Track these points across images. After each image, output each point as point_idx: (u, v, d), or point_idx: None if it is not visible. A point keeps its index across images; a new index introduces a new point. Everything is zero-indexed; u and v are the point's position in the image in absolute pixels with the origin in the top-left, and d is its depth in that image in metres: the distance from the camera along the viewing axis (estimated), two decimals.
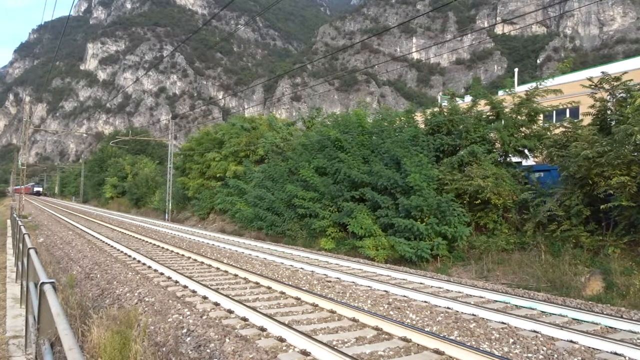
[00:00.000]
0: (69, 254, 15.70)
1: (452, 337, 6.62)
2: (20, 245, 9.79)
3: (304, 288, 9.79)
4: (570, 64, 20.47)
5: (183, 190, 35.25)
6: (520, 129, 15.45)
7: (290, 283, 10.35)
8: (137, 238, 20.01)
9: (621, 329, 7.30)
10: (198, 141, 35.13)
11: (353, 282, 10.78)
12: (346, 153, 18.24)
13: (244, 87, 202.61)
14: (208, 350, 6.14)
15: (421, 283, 10.87)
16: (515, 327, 7.17)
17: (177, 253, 15.51)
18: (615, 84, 12.62)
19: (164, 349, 6.42)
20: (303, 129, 27.09)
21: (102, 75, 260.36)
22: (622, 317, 8.03)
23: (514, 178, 14.51)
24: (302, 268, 12.83)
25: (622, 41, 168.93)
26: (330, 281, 10.94)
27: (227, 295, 8.69)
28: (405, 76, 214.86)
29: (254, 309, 7.72)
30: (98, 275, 11.67)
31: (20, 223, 13.51)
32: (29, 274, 6.23)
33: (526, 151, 15.66)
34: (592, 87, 12.97)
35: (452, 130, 16.63)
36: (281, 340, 6.32)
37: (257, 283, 10.42)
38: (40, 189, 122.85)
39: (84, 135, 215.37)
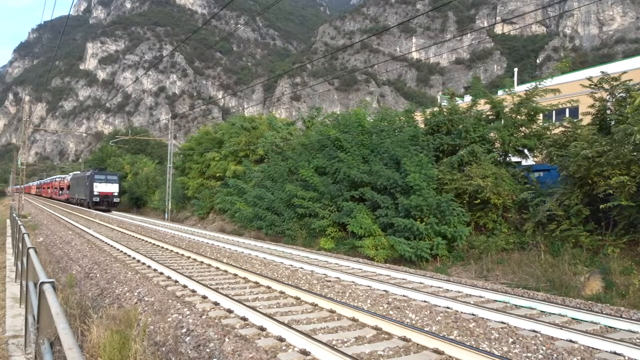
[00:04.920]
0: (69, 254, 15.69)
1: (451, 337, 6.63)
2: (20, 244, 9.79)
3: (304, 287, 9.79)
4: (569, 63, 20.50)
5: (183, 189, 35.25)
6: (520, 128, 15.47)
7: (289, 282, 10.35)
8: (136, 237, 19.99)
9: (620, 329, 7.30)
10: (198, 141, 35.15)
11: (353, 282, 10.78)
12: (346, 153, 18.24)
13: (244, 87, 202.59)
14: (208, 350, 6.14)
15: (421, 283, 10.87)
16: (514, 326, 7.17)
17: (177, 252, 15.50)
18: (614, 83, 12.63)
19: (163, 348, 6.42)
20: (303, 128, 27.10)
21: (101, 75, 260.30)
22: (621, 316, 8.03)
23: (514, 178, 14.52)
24: (301, 267, 12.82)
25: (622, 41, 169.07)
26: (329, 281, 10.94)
27: (226, 295, 8.68)
28: (404, 76, 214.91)
29: (253, 308, 7.72)
30: (97, 275, 11.67)
31: (19, 223, 13.50)
32: (29, 273, 6.23)
33: (526, 151, 15.68)
34: (592, 86, 12.98)
35: (452, 130, 16.64)
36: (281, 339, 6.32)
37: (256, 282, 10.41)
38: (116, 191, 44.53)
39: (84, 134, 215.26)
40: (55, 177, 75.14)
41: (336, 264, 13.74)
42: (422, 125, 17.75)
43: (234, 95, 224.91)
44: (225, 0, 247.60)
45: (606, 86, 12.76)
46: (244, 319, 7.35)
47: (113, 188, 43.96)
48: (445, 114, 17.07)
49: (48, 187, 74.45)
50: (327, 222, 18.05)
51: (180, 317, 7.55)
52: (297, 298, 8.90)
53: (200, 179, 32.76)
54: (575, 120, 13.81)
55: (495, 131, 15.45)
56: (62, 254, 15.94)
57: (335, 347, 5.90)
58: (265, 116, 33.71)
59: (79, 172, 57.74)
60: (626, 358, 5.97)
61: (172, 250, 16.00)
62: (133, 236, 20.52)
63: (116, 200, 43.98)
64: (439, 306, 8.46)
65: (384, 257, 14.94)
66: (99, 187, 43.02)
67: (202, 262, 13.42)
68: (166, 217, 36.08)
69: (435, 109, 18.07)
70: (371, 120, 20.02)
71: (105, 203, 42.86)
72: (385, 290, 9.82)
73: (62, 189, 61.26)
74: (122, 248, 15.96)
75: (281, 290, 9.52)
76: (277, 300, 8.79)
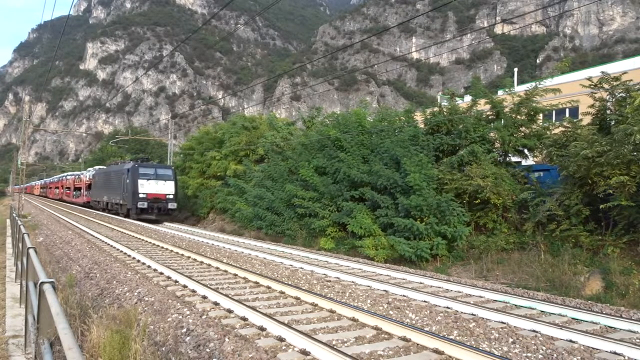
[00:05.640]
0: (69, 254, 15.69)
1: (451, 337, 6.63)
2: (20, 244, 9.79)
3: (304, 287, 9.79)
4: (569, 63, 20.53)
5: (183, 189, 35.22)
6: (520, 128, 15.47)
7: (289, 282, 10.35)
8: (136, 237, 19.98)
9: (620, 329, 7.30)
10: (198, 140, 35.16)
11: (352, 282, 10.78)
12: (346, 153, 18.25)
13: (244, 87, 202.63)
14: (207, 350, 6.14)
15: (421, 283, 10.87)
16: (514, 326, 7.17)
17: (177, 252, 15.50)
18: (614, 83, 12.64)
19: (163, 348, 6.42)
20: (303, 128, 27.12)
21: (101, 75, 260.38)
22: (621, 316, 8.04)
23: (514, 178, 14.52)
24: (301, 267, 12.82)
25: (622, 41, 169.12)
26: (329, 281, 10.94)
27: (226, 295, 8.68)
28: (404, 76, 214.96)
29: (253, 308, 7.72)
30: (97, 275, 11.67)
31: (19, 222, 13.51)
32: (29, 273, 6.24)
33: (526, 151, 15.68)
34: (592, 86, 12.98)
35: (452, 130, 16.65)
36: (281, 339, 6.32)
37: (256, 282, 10.41)
38: (171, 192, 29.35)
39: (84, 134, 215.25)
40: (66, 174, 60.52)
41: (336, 264, 13.74)
42: (422, 125, 17.75)
43: (234, 95, 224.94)
44: (225, 0, 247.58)
45: (606, 86, 12.76)
46: (244, 318, 7.35)
47: (167, 188, 29.11)
48: (445, 114, 17.08)
49: (56, 187, 60.85)
50: (327, 222, 18.05)
51: (180, 317, 7.55)
52: (297, 298, 8.90)
53: (201, 179, 32.74)
54: (575, 120, 13.81)
55: (495, 131, 15.46)
56: (62, 254, 15.94)
57: (335, 347, 5.90)
58: (265, 116, 33.73)
59: (104, 167, 42.76)
60: (626, 358, 5.97)
61: (172, 250, 16.00)
62: (133, 236, 20.51)
63: (172, 205, 29.03)
64: (439, 306, 8.45)
65: (384, 257, 14.94)
66: (147, 187, 28.41)
67: (202, 262, 13.42)
68: None
69: (435, 109, 18.07)
70: (371, 120, 20.03)
71: (155, 210, 28.55)
72: (385, 290, 9.81)
73: (77, 189, 48.30)
74: (122, 248, 15.96)
75: (281, 290, 9.52)
76: (277, 300, 8.79)
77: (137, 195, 28.19)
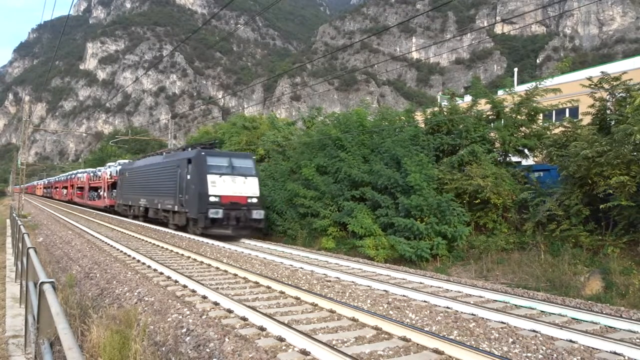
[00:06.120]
0: (69, 254, 15.69)
1: (451, 337, 6.62)
2: (20, 244, 9.79)
3: (304, 287, 9.79)
4: (569, 63, 20.55)
5: None
6: (520, 128, 15.49)
7: (289, 282, 10.34)
8: (136, 237, 19.98)
9: (620, 329, 7.30)
10: (198, 140, 35.21)
11: (353, 282, 10.78)
12: (346, 152, 18.27)
13: (244, 87, 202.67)
14: (207, 350, 6.14)
15: (421, 283, 10.87)
16: (514, 326, 7.16)
17: (177, 252, 15.49)
18: (614, 83, 12.64)
19: (163, 348, 6.42)
20: (303, 128, 27.15)
21: (101, 75, 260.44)
22: (621, 316, 8.03)
23: (514, 178, 14.53)
24: (301, 267, 12.82)
25: (622, 41, 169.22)
26: (329, 281, 10.93)
27: (226, 295, 8.68)
28: (404, 76, 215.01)
29: (253, 308, 7.71)
30: (97, 275, 11.67)
31: (19, 222, 13.51)
32: (29, 273, 6.24)
33: (526, 151, 15.70)
34: (592, 86, 12.99)
35: (452, 130, 16.67)
36: (281, 339, 6.31)
37: (256, 282, 10.41)
38: (255, 193, 19.23)
39: (84, 134, 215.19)
40: (77, 171, 51.56)
41: (336, 264, 13.74)
42: (423, 125, 17.78)
43: (234, 95, 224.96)
44: (225, 0, 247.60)
45: (606, 86, 12.77)
46: (244, 318, 7.35)
47: (248, 187, 19.65)
48: (445, 113, 17.10)
49: (64, 187, 52.68)
50: (328, 222, 18.05)
51: (180, 317, 7.55)
52: (297, 298, 8.89)
53: None
54: (575, 120, 13.82)
55: (496, 131, 15.48)
56: (62, 254, 15.94)
57: (335, 347, 5.89)
58: (265, 116, 33.79)
59: (131, 161, 34.24)
60: (626, 358, 5.96)
61: (172, 250, 15.99)
62: (133, 236, 20.51)
63: (257, 214, 19.20)
64: (439, 306, 8.45)
65: (384, 257, 14.94)
66: (221, 186, 19.04)
67: (202, 262, 13.42)
68: None
69: (436, 109, 18.09)
70: (372, 120, 20.06)
71: (233, 222, 18.90)
72: (385, 290, 9.81)
73: (94, 189, 40.10)
74: (122, 248, 15.95)
75: (281, 290, 9.52)
76: (277, 300, 8.79)
77: (206, 199, 18.67)
